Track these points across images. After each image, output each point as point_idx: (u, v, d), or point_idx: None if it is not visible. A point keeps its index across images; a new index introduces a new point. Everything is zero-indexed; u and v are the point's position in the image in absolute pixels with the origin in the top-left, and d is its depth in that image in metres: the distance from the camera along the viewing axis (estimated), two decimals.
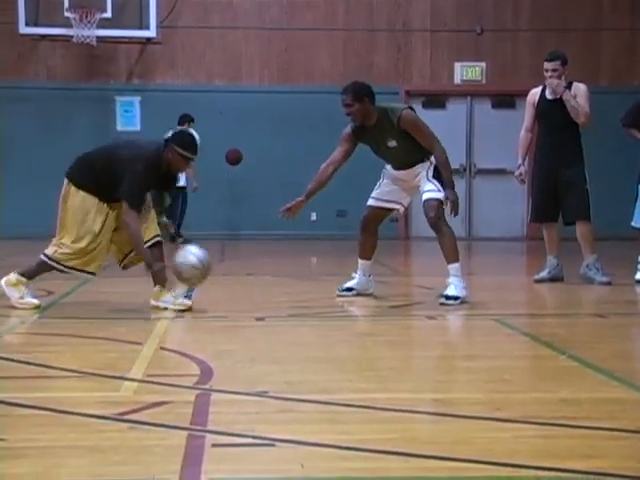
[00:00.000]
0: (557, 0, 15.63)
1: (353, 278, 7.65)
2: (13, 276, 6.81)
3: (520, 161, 8.94)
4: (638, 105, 8.96)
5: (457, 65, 15.54)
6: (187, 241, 13.58)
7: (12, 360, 4.78)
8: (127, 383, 4.27)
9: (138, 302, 7.36)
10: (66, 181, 6.84)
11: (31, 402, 3.83)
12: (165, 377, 4.38)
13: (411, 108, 7.32)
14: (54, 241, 6.81)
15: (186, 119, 13.80)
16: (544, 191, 8.67)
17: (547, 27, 15.50)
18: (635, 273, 8.59)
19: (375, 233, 7.60)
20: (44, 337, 5.65)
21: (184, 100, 15.14)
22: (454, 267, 7.19)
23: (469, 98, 15.71)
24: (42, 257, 6.80)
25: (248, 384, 4.26)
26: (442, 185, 7.12)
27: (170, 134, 7.10)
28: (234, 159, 11.57)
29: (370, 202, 7.54)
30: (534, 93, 8.83)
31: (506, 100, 15.69)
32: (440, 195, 7.11)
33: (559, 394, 4.14)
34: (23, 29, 14.18)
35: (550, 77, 8.58)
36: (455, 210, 7.13)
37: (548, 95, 8.67)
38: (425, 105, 15.56)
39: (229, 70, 15.41)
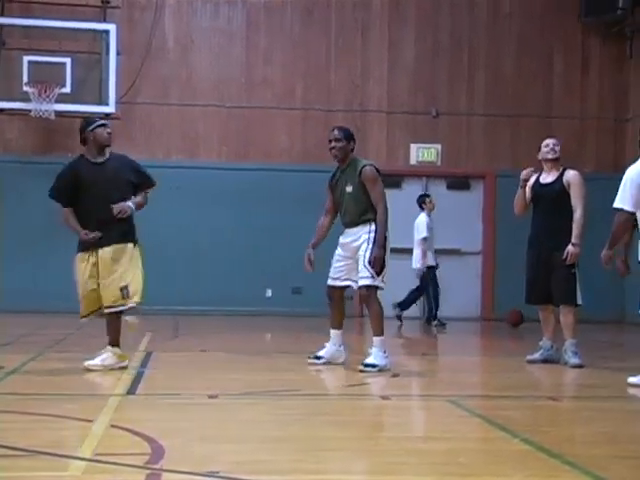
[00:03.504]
0: (510, 86, 15.98)
1: (324, 347, 8.15)
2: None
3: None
4: None
5: (413, 146, 15.77)
6: (443, 325, 13.59)
7: None
8: (76, 462, 4.18)
9: (90, 379, 7.28)
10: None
11: None
12: (115, 456, 4.30)
13: (376, 168, 8.08)
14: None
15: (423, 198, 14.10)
16: (536, 273, 8.71)
17: (500, 112, 15.81)
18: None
19: (341, 302, 8.20)
20: None
21: None
22: (377, 339, 7.83)
23: (424, 179, 15.90)
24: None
25: (199, 464, 4.19)
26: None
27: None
28: (516, 320, 12.57)
29: (328, 282, 8.18)
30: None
31: (461, 182, 15.91)
32: (372, 281, 7.80)
33: (512, 478, 4.13)
34: None
35: (546, 152, 8.73)
36: (377, 265, 7.75)
37: (541, 179, 8.81)
38: None
39: (187, 146, 15.48)
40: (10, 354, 8.57)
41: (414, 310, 14.56)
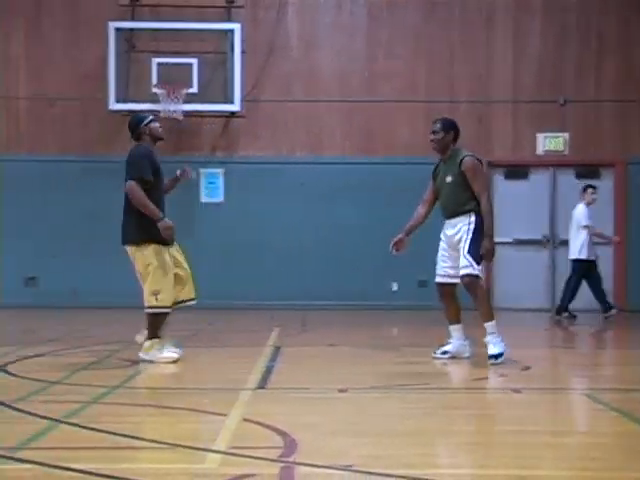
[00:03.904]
0: None
1: (449, 343, 8.17)
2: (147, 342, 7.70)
3: None
4: None
5: (539, 136, 15.47)
6: (573, 317, 13.30)
7: (98, 430, 4.83)
8: (212, 455, 4.27)
9: (220, 373, 7.42)
10: None
11: (118, 473, 3.86)
12: (249, 449, 4.37)
13: (478, 159, 8.01)
14: None
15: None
16: None
17: (631, 97, 15.37)
18: None
19: (454, 298, 8.19)
20: (129, 407, 5.70)
21: (266, 172, 15.36)
22: (489, 325, 7.85)
23: (552, 169, 15.59)
24: None
25: (332, 457, 4.22)
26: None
27: None
28: None
29: (436, 279, 8.20)
30: None
31: (590, 170, 15.53)
32: (472, 270, 7.80)
33: None
34: (113, 105, 14.57)
35: None
36: (488, 258, 7.88)
37: None
38: (507, 176, 15.49)
39: (311, 142, 15.59)
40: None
41: (584, 302, 14.13)
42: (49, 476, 3.87)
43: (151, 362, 7.62)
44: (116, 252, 14.83)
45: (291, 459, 4.19)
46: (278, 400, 6.09)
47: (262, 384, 6.66)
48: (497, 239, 15.00)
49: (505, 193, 15.37)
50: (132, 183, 7.73)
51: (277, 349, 9.05)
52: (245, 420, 5.21)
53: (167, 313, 7.79)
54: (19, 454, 4.25)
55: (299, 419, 5.33)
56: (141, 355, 7.75)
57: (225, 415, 5.30)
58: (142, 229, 7.72)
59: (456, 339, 8.17)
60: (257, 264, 15.20)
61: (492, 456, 4.47)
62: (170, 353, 7.76)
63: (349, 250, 15.23)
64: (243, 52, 14.70)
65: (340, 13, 15.63)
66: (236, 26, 14.72)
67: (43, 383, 6.53)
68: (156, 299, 7.65)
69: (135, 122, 8.09)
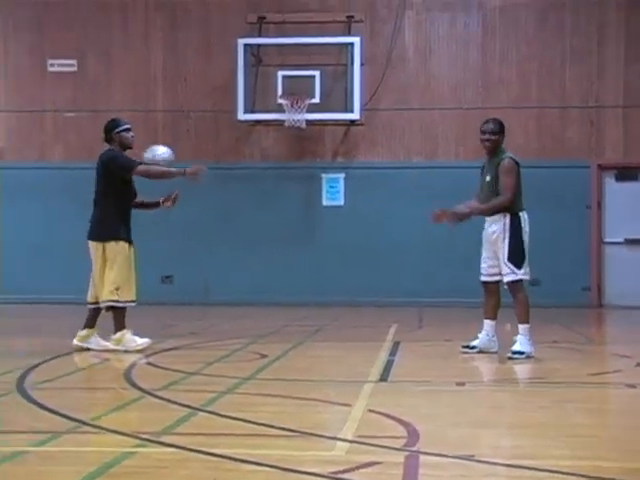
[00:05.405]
0: None
1: (477, 338, 8.04)
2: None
3: None
4: None
5: None
6: None
7: (234, 418, 4.90)
8: (339, 443, 4.28)
9: (345, 366, 7.45)
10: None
11: (256, 459, 3.90)
12: (374, 438, 4.36)
13: (516, 161, 7.87)
14: None
15: None
16: None
17: None
18: None
19: (496, 295, 8.04)
20: (261, 397, 5.77)
21: (384, 176, 15.34)
22: (523, 327, 7.67)
23: None
24: None
25: (454, 447, 4.19)
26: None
27: None
28: None
29: (481, 278, 8.14)
30: None
31: None
32: (514, 277, 7.69)
33: None
34: (241, 116, 14.80)
35: None
36: (451, 217, 8.29)
37: None
38: (618, 178, 15.09)
39: (426, 148, 15.50)
40: (272, 343, 8.90)
41: None
42: (191, 460, 3.95)
43: (126, 351, 7.88)
44: (243, 251, 15.25)
45: (415, 448, 4.17)
46: (400, 392, 6.07)
47: (384, 377, 6.65)
48: (608, 239, 14.85)
49: (616, 195, 14.98)
50: (139, 167, 7.89)
51: (396, 344, 9.02)
52: (369, 411, 5.20)
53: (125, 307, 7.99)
54: (163, 438, 4.35)
55: (421, 410, 5.30)
56: (111, 346, 8.01)
57: (350, 406, 5.31)
58: (115, 227, 7.92)
59: (485, 334, 8.04)
60: (375, 263, 15.20)
61: (610, 449, 4.35)
62: (142, 340, 8.03)
63: (462, 249, 14.99)
64: (362, 64, 14.72)
65: (454, 25, 15.48)
66: (356, 39, 14.74)
67: (182, 374, 6.67)
68: (117, 294, 7.87)
69: (110, 127, 8.14)
